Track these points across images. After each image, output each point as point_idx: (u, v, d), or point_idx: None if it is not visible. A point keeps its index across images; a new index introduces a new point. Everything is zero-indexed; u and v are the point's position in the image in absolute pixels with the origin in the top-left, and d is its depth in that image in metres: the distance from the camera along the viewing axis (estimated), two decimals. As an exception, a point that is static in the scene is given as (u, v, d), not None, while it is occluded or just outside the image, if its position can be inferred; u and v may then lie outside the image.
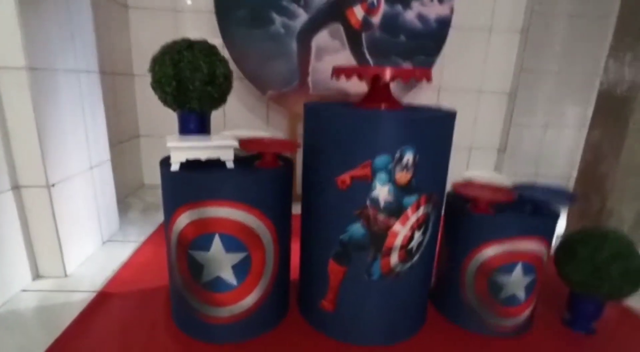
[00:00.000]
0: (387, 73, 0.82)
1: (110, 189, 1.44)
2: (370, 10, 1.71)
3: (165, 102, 0.89)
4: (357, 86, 1.83)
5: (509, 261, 0.92)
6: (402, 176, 0.80)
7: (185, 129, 0.93)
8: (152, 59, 0.88)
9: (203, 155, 0.81)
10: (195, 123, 0.92)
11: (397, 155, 0.78)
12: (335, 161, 0.82)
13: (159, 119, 2.01)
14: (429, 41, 1.77)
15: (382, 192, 0.80)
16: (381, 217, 0.82)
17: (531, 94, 2.05)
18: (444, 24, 1.76)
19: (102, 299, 1.05)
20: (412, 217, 0.84)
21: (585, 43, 2.00)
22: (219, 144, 0.82)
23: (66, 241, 1.15)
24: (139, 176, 2.06)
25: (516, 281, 0.94)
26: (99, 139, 1.34)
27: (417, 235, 0.86)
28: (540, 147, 2.15)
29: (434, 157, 0.83)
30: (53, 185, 1.08)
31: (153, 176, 2.09)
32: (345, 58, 1.76)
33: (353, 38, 1.74)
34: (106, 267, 1.22)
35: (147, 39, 1.91)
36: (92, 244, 1.31)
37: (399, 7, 1.72)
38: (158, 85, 0.86)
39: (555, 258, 1.01)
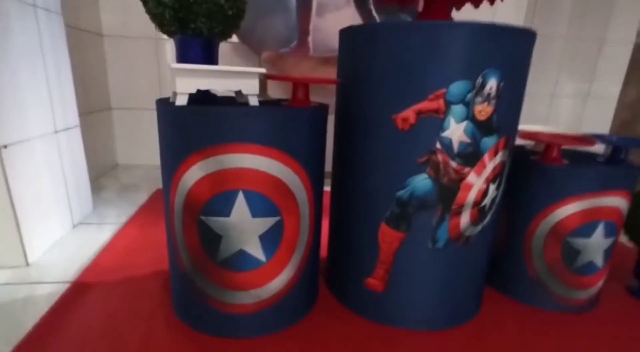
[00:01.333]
0: None
1: (81, 161, 1.19)
2: (378, -41, 1.52)
3: (162, 21, 0.67)
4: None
5: (589, 220, 0.77)
6: (483, 110, 0.62)
7: (187, 61, 0.70)
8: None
9: (220, 86, 0.60)
10: (201, 52, 0.70)
11: (479, 81, 0.60)
12: (392, 93, 0.63)
13: (135, 89, 1.74)
14: (440, -3, 1.61)
15: (457, 131, 0.62)
16: (454, 164, 0.64)
17: (538, 60, 1.94)
18: (456, -22, 1.60)
19: (79, 290, 0.82)
20: (489, 165, 0.66)
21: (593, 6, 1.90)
22: (241, 70, 0.61)
23: (26, 220, 0.90)
24: (112, 154, 1.78)
25: (596, 245, 0.79)
26: (65, 98, 1.09)
27: (492, 189, 0.69)
28: (548, 116, 2.05)
29: (516, 86, 0.66)
30: (5, 146, 0.83)
31: (128, 155, 1.82)
32: (350, 15, 1.56)
33: (359, -9, 1.54)
34: (80, 254, 0.97)
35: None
36: (61, 227, 1.06)
37: (408, -42, 1.54)
38: (151, -7, 0.64)
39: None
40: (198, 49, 0.70)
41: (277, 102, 0.73)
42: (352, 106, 0.71)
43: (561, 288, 0.82)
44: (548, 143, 0.77)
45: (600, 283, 0.84)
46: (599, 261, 0.80)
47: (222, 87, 0.60)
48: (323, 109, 0.69)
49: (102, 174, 1.64)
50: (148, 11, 0.68)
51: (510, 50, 0.62)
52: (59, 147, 1.05)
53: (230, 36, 0.74)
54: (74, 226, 1.13)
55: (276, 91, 1.85)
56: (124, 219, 1.19)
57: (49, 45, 1.00)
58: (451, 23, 0.60)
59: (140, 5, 0.69)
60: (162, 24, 0.68)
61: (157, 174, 1.53)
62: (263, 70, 0.64)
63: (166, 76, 1.74)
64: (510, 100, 0.65)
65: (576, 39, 1.94)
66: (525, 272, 0.84)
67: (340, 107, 0.76)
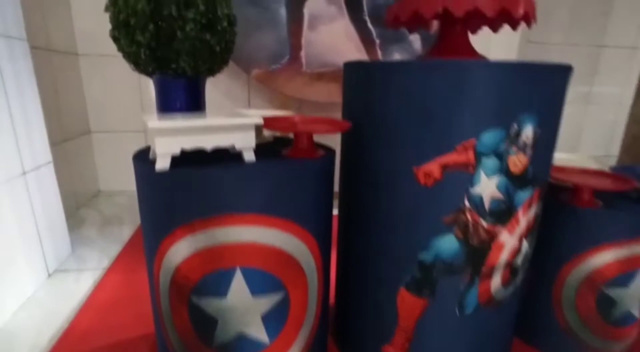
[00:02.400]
0: (463, 5, 0.54)
1: (55, 201, 1.07)
2: (372, -33, 1.43)
3: (137, 61, 0.57)
4: (362, 58, 1.56)
5: (627, 270, 0.69)
6: (518, 161, 0.53)
7: (168, 105, 0.60)
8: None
9: (209, 143, 0.50)
10: (184, 95, 0.60)
11: (514, 128, 0.51)
12: (412, 142, 0.54)
13: (115, 110, 1.62)
14: (438, 7, 1.53)
15: (488, 186, 0.53)
16: (485, 224, 0.55)
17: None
18: (454, -13, 1.52)
19: (52, 367, 0.71)
20: (523, 220, 0.57)
21: (591, 11, 1.85)
22: (233, 123, 0.51)
23: (-10, 282, 0.79)
24: (93, 181, 1.66)
25: (634, 294, 0.71)
26: (32, 134, 0.97)
27: (525, 246, 0.60)
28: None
29: (553, 129, 0.57)
30: (-39, 203, 0.72)
31: (110, 181, 1.70)
32: (344, 27, 1.47)
33: (352, 3, 1.45)
34: (56, 313, 0.86)
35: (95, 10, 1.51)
36: (34, 279, 0.95)
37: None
38: (124, 31, 0.54)
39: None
40: (181, 92, 0.60)
41: (274, 147, 0.63)
42: (363, 153, 0.62)
43: (595, 340, 0.74)
44: (581, 187, 0.69)
45: (637, 334, 0.76)
46: (636, 310, 0.73)
47: (211, 144, 0.51)
48: (330, 157, 0.60)
49: (82, 204, 1.52)
50: (120, 49, 0.57)
51: (548, 91, 0.53)
52: (28, 190, 0.94)
53: (217, 73, 0.65)
54: (50, 275, 1.01)
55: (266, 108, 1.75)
56: (106, 262, 1.08)
57: (10, 77, 0.89)
58: (481, 63, 0.51)
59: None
60: (137, 64, 0.57)
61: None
62: (259, 119, 0.54)
63: (148, 94, 1.62)
64: (546, 146, 0.57)
65: (573, 45, 1.89)
66: (555, 322, 0.76)
67: (347, 152, 0.67)
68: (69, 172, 1.41)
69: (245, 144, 0.53)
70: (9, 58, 0.88)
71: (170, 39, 0.53)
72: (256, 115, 0.56)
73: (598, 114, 2.05)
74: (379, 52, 1.51)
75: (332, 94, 1.53)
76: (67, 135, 1.42)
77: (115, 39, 0.56)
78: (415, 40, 1.53)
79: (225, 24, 0.57)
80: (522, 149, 0.53)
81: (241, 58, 1.43)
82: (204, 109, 0.65)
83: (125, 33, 0.53)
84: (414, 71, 0.52)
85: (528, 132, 0.52)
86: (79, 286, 0.97)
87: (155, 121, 0.46)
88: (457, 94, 0.50)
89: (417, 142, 0.53)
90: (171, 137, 0.48)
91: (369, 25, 1.48)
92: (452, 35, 0.64)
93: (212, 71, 0.61)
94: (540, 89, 0.52)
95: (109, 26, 0.55)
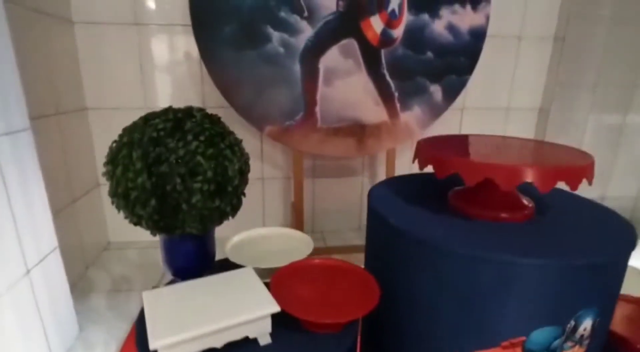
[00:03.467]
0: (535, 175, 0.47)
1: (62, 286, 1.03)
2: (391, 21, 1.36)
3: (140, 225, 0.51)
4: (375, 114, 1.49)
5: None
6: (574, 356, 0.46)
7: (174, 260, 0.55)
8: (108, 154, 0.50)
9: (220, 341, 0.44)
10: (192, 253, 0.54)
11: (571, 324, 0.44)
12: (451, 331, 0.47)
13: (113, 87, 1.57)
14: (461, 57, 1.44)
15: (538, 383, 0.46)
16: None
17: (565, 110, 1.78)
18: (478, 36, 1.43)
19: None
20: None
21: (625, 50, 1.73)
22: (247, 319, 0.45)
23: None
24: (103, 234, 1.63)
25: None
26: (37, 227, 0.93)
27: None
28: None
29: (612, 309, 0.50)
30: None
31: (120, 232, 1.67)
32: (361, 81, 1.40)
33: (370, 56, 1.38)
34: None
35: (102, 64, 1.47)
36: (38, 380, 0.91)
37: (425, 17, 1.38)
38: (123, 203, 0.48)
39: None
40: (189, 249, 0.54)
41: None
42: (392, 319, 0.55)
43: None
44: None
45: None
46: None
47: (222, 342, 0.45)
48: (354, 329, 0.53)
49: (91, 262, 1.49)
50: (121, 211, 0.52)
51: (609, 278, 0.46)
52: (32, 289, 0.90)
53: (227, 220, 0.59)
54: (56, 368, 0.97)
55: (278, 161, 1.70)
56: (113, 348, 1.04)
57: (13, 173, 0.84)
58: (535, 263, 0.44)
59: None
60: (142, 226, 0.52)
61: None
62: (276, 308, 0.48)
63: (149, 73, 1.54)
64: (602, 336, 0.49)
65: (606, 85, 1.77)
66: None
67: (371, 323, 0.60)
68: (76, 231, 1.37)
69: (261, 332, 0.46)
70: (11, 155, 0.84)
71: (174, 211, 0.47)
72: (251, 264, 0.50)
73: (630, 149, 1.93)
74: (398, 105, 1.44)
75: (349, 149, 1.46)
76: (75, 194, 1.38)
77: (117, 205, 0.50)
78: (436, 91, 1.45)
79: (236, 182, 0.51)
80: (579, 341, 0.45)
81: (254, 116, 1.37)
82: (214, 252, 0.59)
83: (124, 204, 0.47)
84: (455, 260, 0.45)
85: (587, 325, 0.45)
86: (85, 384, 0.93)
87: (158, 340, 0.40)
88: (505, 291, 0.43)
89: (456, 330, 0.47)
90: (178, 347, 0.42)
91: (388, 78, 1.41)
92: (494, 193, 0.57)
93: (223, 221, 0.56)
94: (601, 278, 0.45)
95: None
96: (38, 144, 1.10)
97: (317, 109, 1.39)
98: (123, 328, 1.12)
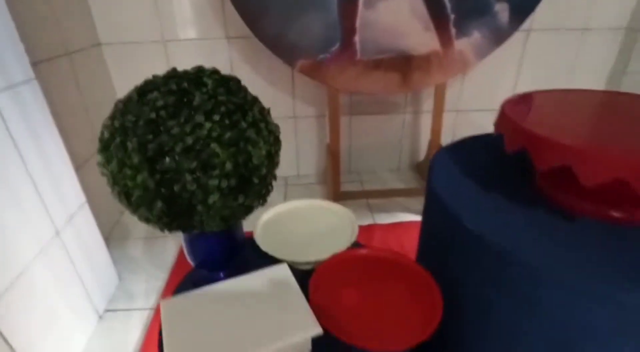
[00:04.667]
0: None
1: (96, 240, 1.02)
2: None
3: (150, 224, 0.42)
4: (424, 43, 1.25)
5: None
6: None
7: (197, 254, 0.46)
8: (100, 138, 0.38)
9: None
10: (214, 245, 0.45)
11: None
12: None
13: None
14: (539, -36, 1.14)
15: None
16: None
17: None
18: None
19: None
20: None
21: None
22: (280, 346, 0.36)
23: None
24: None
25: None
26: (60, 185, 0.88)
27: None
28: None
29: None
30: (-9, 308, 0.66)
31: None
32: (409, 1, 1.16)
33: (423, -32, 1.12)
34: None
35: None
36: (84, 330, 0.93)
37: None
38: (126, 202, 0.38)
39: None
40: (212, 242, 0.45)
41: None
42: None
43: None
44: None
45: None
46: None
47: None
48: None
49: (127, 205, 1.48)
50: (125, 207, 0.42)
51: None
52: (65, 248, 0.87)
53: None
54: (100, 317, 1.00)
55: (313, 100, 1.54)
56: (153, 299, 1.05)
57: (22, 128, 0.76)
58: None
59: None
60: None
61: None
62: (317, 327, 0.39)
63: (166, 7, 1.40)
64: None
65: None
66: None
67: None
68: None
69: (300, 355, 0.38)
70: (15, 109, 0.75)
71: (188, 212, 0.37)
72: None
73: None
74: (453, 30, 1.20)
75: (391, 85, 1.28)
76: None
77: (120, 200, 0.40)
78: (502, 10, 1.18)
79: (264, 171, 0.39)
80: None
81: (283, 48, 1.19)
82: (242, 244, 0.50)
83: (127, 204, 0.37)
84: (557, 290, 0.33)
85: None
86: (133, 323, 0.95)
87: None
88: (624, 335, 0.31)
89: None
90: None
91: (443, -3, 1.15)
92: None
93: (248, 215, 0.45)
94: None
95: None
96: (49, 91, 1.01)
97: (357, 38, 1.19)
98: (161, 277, 1.12)
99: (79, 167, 1.14)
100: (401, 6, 1.15)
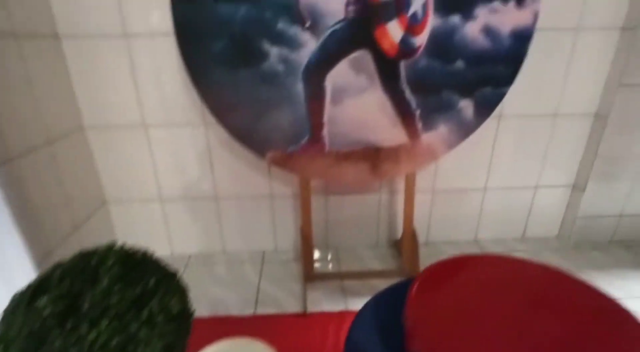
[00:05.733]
0: None
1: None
2: (413, 26, 1.12)
3: None
4: (392, 136, 1.28)
5: None
6: None
7: None
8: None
9: None
10: None
11: None
12: None
13: (132, 173, 1.51)
14: (499, 66, 1.19)
15: None
16: None
17: (629, 115, 1.48)
18: (523, 39, 1.17)
19: None
20: None
21: None
22: None
23: None
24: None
25: None
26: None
27: None
28: (630, 189, 1.61)
29: None
30: None
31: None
32: (376, 98, 1.20)
33: (387, 70, 1.17)
34: None
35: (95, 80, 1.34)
36: None
37: (456, 19, 1.13)
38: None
39: None
40: None
41: None
42: None
43: None
44: None
45: None
46: None
47: None
48: None
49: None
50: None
51: None
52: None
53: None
54: None
55: (289, 189, 1.55)
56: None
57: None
58: None
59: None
60: None
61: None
62: None
63: (145, 87, 1.39)
64: None
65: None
66: None
67: None
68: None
69: None
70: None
71: None
72: None
73: None
74: (419, 125, 1.23)
75: (361, 175, 1.29)
76: (79, 218, 1.32)
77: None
78: (466, 107, 1.22)
79: None
80: None
81: (252, 141, 1.22)
82: None
83: None
84: None
85: None
86: None
87: None
88: None
89: None
90: None
91: (408, 94, 1.19)
92: None
93: None
94: None
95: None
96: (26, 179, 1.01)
97: (325, 132, 1.22)
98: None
99: (57, 245, 1.13)
100: (367, 103, 1.19)
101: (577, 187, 1.66)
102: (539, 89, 1.47)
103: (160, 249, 1.65)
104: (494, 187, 1.65)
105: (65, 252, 1.26)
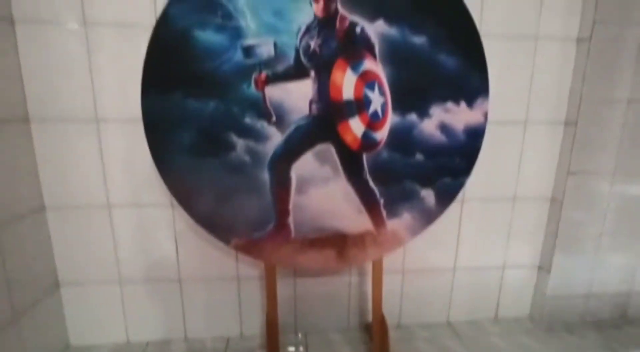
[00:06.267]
0: None
1: None
2: (373, 123, 1.19)
3: None
4: (358, 224, 1.30)
5: None
6: None
7: None
8: None
9: None
10: None
11: None
12: None
13: (85, 255, 1.44)
14: (456, 158, 1.26)
15: None
16: None
17: (580, 199, 1.56)
18: (476, 135, 1.25)
19: None
20: None
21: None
22: None
23: None
24: (63, 335, 1.47)
25: None
26: None
27: None
28: (592, 267, 1.65)
29: None
30: None
31: (82, 335, 1.51)
32: (340, 188, 1.23)
33: (350, 162, 1.22)
34: None
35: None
36: None
37: (412, 117, 1.21)
38: None
39: None
40: None
41: None
42: None
43: None
44: None
45: None
46: None
47: None
48: None
49: None
50: None
51: None
52: None
53: None
54: None
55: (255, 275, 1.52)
56: None
57: None
58: None
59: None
60: None
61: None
62: None
63: (113, 168, 1.39)
64: None
65: (624, 173, 1.56)
66: None
67: None
68: (34, 332, 1.22)
69: None
70: None
71: None
72: None
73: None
74: (384, 212, 1.26)
75: (328, 261, 1.28)
76: (34, 295, 1.23)
77: None
78: (428, 196, 1.26)
79: None
80: None
81: (216, 228, 1.21)
82: None
83: None
84: None
85: None
86: None
87: None
88: None
89: None
90: None
91: (371, 184, 1.23)
92: None
93: None
94: None
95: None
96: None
97: (290, 219, 1.22)
98: None
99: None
100: (332, 192, 1.22)
101: (543, 268, 1.69)
102: (496, 175, 1.55)
103: (116, 336, 1.54)
104: (463, 266, 1.66)
105: (2, 342, 1.16)
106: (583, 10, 1.44)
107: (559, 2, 1.43)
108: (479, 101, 1.22)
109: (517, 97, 1.49)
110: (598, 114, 1.47)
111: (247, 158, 1.16)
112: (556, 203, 1.59)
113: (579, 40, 1.46)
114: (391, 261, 1.57)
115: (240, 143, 1.15)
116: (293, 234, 1.23)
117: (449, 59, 1.18)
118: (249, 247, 1.23)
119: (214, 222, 1.20)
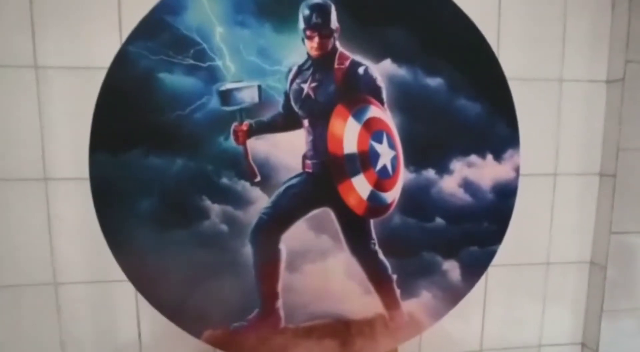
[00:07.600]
0: None
1: None
2: (382, 181, 0.97)
3: None
4: (365, 306, 1.03)
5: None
6: None
7: None
8: None
9: None
10: None
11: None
12: None
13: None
14: (484, 222, 1.02)
15: None
16: None
17: (629, 264, 1.32)
18: (507, 193, 1.03)
19: None
20: None
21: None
22: None
23: None
24: None
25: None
26: None
27: None
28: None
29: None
30: None
31: None
32: (342, 262, 0.98)
33: (354, 229, 0.97)
34: None
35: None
36: None
37: (430, 173, 0.99)
38: None
39: None
40: None
41: None
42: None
43: None
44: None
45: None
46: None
47: None
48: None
49: None
50: None
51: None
52: None
53: None
54: None
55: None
56: None
57: None
58: None
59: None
60: None
61: None
62: None
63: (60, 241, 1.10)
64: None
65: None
66: None
67: None
68: None
69: None
70: None
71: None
72: None
73: None
74: (398, 291, 0.99)
75: (327, 356, 0.99)
76: None
77: None
78: (452, 269, 1.01)
79: None
80: None
81: (187, 317, 0.93)
82: None
83: None
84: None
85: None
86: None
87: None
88: None
89: None
90: None
91: (381, 256, 0.98)
92: None
93: None
94: None
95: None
96: None
97: (279, 303, 0.96)
98: None
99: None
100: (332, 268, 0.97)
101: (587, 345, 1.40)
102: (525, 236, 1.30)
103: None
104: (490, 348, 1.37)
105: None
106: (611, 50, 1.28)
107: (583, 42, 1.27)
108: (508, 153, 1.01)
109: (544, 147, 1.28)
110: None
111: (223, 228, 0.91)
112: (596, 268, 1.34)
113: (608, 82, 1.29)
114: (405, 346, 1.28)
115: (215, 209, 0.91)
116: (283, 323, 0.97)
117: (470, 105, 0.98)
118: (226, 341, 0.96)
119: (182, 311, 0.94)
